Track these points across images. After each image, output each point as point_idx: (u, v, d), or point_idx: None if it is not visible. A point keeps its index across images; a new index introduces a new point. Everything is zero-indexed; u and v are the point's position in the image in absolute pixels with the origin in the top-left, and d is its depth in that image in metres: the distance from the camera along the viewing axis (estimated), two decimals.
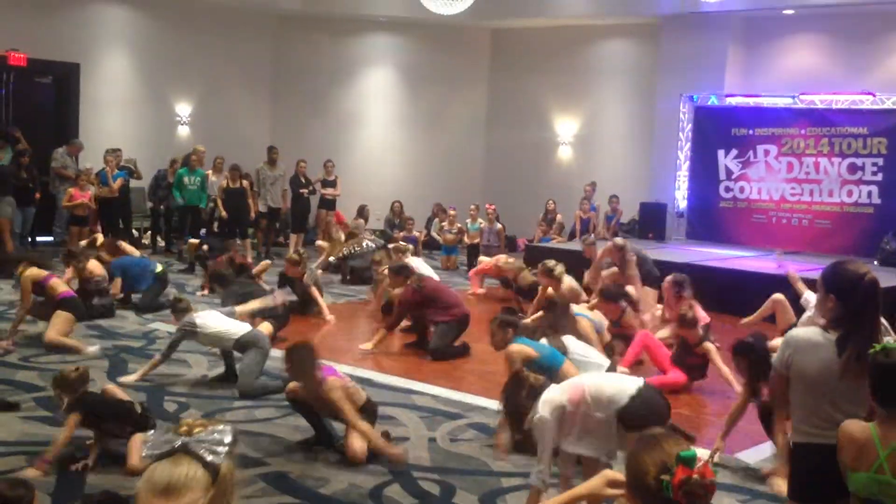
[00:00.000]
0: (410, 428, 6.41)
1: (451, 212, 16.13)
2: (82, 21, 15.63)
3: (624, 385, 4.86)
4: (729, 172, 15.46)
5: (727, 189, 15.50)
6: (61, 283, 8.63)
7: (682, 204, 15.92)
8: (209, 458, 2.06)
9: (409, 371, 8.06)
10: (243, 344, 7.29)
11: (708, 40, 15.51)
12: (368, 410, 5.96)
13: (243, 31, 17.65)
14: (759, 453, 6.04)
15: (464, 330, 8.92)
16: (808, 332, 3.69)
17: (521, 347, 6.20)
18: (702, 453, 2.40)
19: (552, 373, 5.85)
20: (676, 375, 7.64)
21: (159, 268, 10.61)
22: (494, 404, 6.37)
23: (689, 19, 15.42)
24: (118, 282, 10.23)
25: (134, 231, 15.25)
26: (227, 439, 2.11)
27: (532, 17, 17.43)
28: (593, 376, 5.21)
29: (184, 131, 17.21)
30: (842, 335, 3.51)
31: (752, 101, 15.16)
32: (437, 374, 7.96)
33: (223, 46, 17.27)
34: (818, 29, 15.04)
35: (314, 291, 10.44)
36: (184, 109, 17.22)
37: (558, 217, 16.52)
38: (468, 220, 15.85)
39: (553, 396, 4.76)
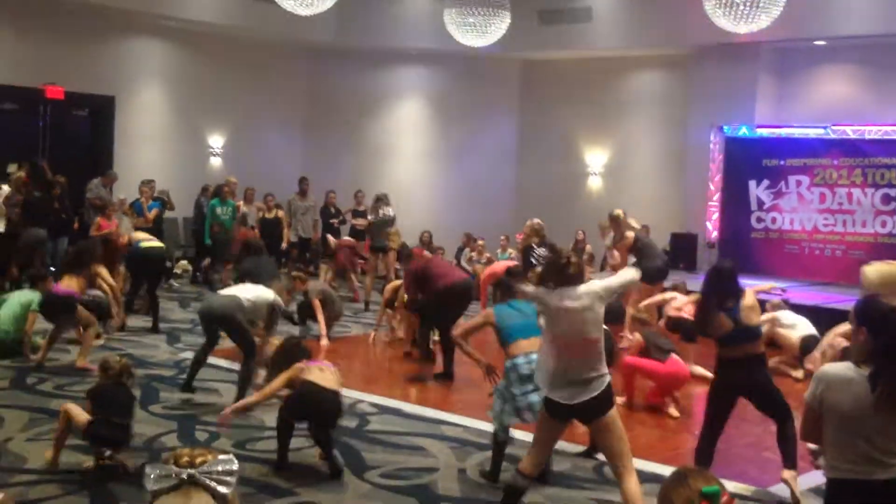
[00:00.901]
0: (440, 459, 6.39)
1: (480, 242, 16.13)
2: (118, 55, 15.91)
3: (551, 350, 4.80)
4: (760, 203, 15.37)
5: (759, 219, 15.40)
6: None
7: (714, 234, 15.85)
8: (221, 488, 2.05)
9: (438, 401, 8.06)
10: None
11: (738, 71, 15.48)
12: None
13: (276, 63, 17.89)
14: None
15: (462, 299, 8.99)
16: (839, 367, 3.65)
17: (489, 311, 6.45)
18: (732, 488, 2.38)
19: (506, 343, 6.04)
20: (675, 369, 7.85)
21: (146, 244, 10.93)
22: (524, 435, 6.37)
23: (720, 50, 15.40)
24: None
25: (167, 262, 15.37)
26: (235, 467, 2.11)
27: (562, 48, 17.51)
28: (568, 332, 4.81)
29: (216, 162, 17.42)
30: (874, 370, 3.47)
31: (783, 132, 15.09)
32: (468, 404, 7.93)
33: (256, 79, 17.50)
34: (850, 59, 14.98)
35: (316, 304, 10.45)
36: (216, 141, 17.43)
37: (588, 247, 16.46)
38: (498, 251, 15.83)
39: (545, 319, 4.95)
